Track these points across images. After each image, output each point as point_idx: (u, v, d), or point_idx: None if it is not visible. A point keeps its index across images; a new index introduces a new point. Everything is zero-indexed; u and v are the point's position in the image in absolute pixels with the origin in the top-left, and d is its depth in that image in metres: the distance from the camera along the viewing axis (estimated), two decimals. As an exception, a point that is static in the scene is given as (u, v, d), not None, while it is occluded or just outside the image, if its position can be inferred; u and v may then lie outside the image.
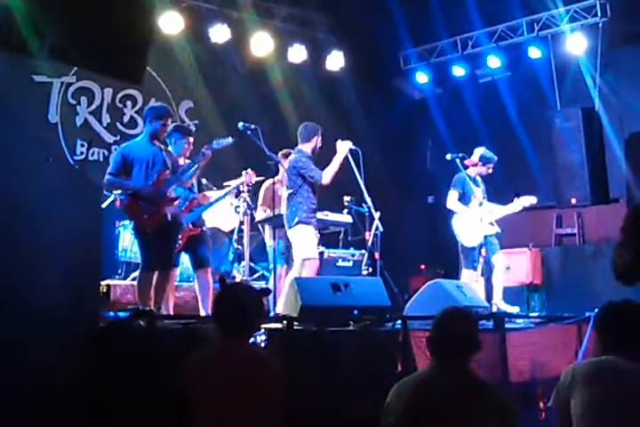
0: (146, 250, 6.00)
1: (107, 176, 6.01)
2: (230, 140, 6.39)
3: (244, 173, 7.22)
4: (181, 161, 6.46)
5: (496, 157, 8.01)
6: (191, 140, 6.70)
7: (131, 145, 6.18)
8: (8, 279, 3.28)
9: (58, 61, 4.65)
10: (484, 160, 7.94)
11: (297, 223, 6.69)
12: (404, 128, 11.61)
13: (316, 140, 6.95)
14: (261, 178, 7.77)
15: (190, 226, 6.54)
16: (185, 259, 6.99)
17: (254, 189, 7.96)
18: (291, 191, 6.78)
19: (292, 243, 6.79)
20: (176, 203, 6.11)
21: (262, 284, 7.79)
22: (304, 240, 6.71)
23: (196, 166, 6.28)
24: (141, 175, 5.96)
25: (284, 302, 5.90)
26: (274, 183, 7.40)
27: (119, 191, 7.57)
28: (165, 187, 6.00)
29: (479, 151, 7.97)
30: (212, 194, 7.29)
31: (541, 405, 5.14)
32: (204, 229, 6.81)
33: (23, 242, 3.43)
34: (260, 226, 7.97)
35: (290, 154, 7.63)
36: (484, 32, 10.69)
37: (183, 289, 7.32)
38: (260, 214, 7.85)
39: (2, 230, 3.28)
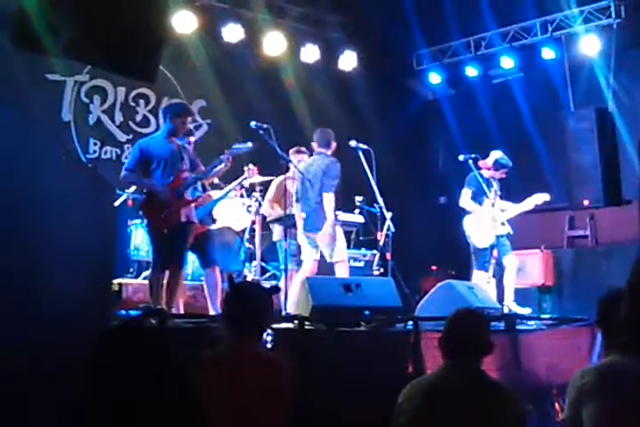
0: (158, 249, 5.97)
1: (123, 172, 5.94)
2: (250, 145, 6.36)
3: (245, 168, 7.12)
4: None
5: (511, 163, 7.90)
6: (192, 139, 6.69)
7: (149, 141, 6.11)
8: (20, 278, 3.29)
9: (72, 59, 4.66)
10: (497, 165, 7.86)
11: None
12: (416, 128, 11.60)
13: (334, 145, 6.99)
14: (270, 178, 7.76)
15: (197, 224, 6.55)
16: (195, 258, 6.99)
17: (266, 188, 7.95)
18: (327, 193, 6.68)
19: (323, 245, 6.71)
20: (192, 205, 6.10)
21: (273, 283, 7.77)
22: (341, 241, 6.74)
23: (215, 171, 6.23)
24: (158, 173, 5.91)
25: (295, 302, 5.90)
26: (285, 179, 7.25)
27: (132, 190, 7.60)
28: (184, 188, 5.96)
29: (495, 155, 7.87)
30: (218, 193, 7.27)
31: (557, 407, 5.11)
32: (210, 227, 6.80)
33: (37, 241, 3.44)
34: (269, 224, 7.94)
35: (300, 151, 7.61)
36: (497, 32, 10.67)
37: (194, 288, 7.31)
38: (267, 209, 7.80)
39: (15, 230, 3.28)
